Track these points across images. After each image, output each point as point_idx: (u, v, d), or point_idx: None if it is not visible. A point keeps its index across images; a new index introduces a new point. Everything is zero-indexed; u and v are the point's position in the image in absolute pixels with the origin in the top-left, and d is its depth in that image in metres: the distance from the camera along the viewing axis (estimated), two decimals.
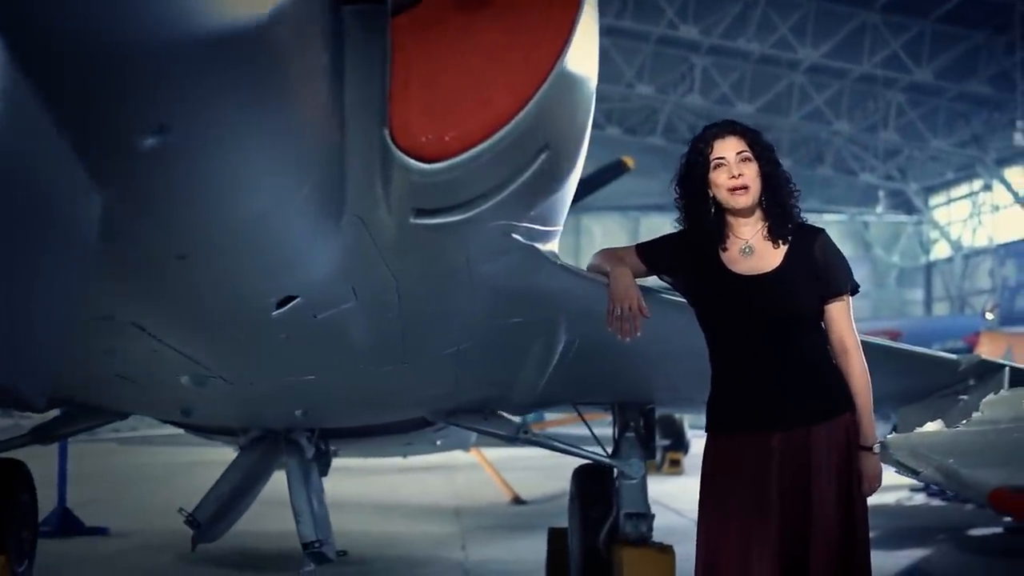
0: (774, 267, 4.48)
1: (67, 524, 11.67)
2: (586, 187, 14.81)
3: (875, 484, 4.51)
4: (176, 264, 3.50)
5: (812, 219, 4.59)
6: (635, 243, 4.87)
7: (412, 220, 3.72)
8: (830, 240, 4.60)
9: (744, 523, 4.37)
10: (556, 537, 9.02)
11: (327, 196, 3.55)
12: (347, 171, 3.53)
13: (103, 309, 4.00)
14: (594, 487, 8.18)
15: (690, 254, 4.59)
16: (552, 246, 4.70)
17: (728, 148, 4.45)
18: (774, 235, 4.51)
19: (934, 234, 48.66)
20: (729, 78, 39.76)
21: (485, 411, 7.45)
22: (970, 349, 24.08)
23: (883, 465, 5.45)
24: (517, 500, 15.45)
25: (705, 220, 4.53)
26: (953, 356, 7.05)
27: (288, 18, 2.72)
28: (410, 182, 3.53)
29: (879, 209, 48.48)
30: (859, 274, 4.71)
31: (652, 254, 4.73)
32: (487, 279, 4.44)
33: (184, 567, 9.81)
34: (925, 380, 7.13)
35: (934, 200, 48.26)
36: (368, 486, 16.24)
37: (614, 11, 35.64)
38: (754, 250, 4.51)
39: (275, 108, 2.94)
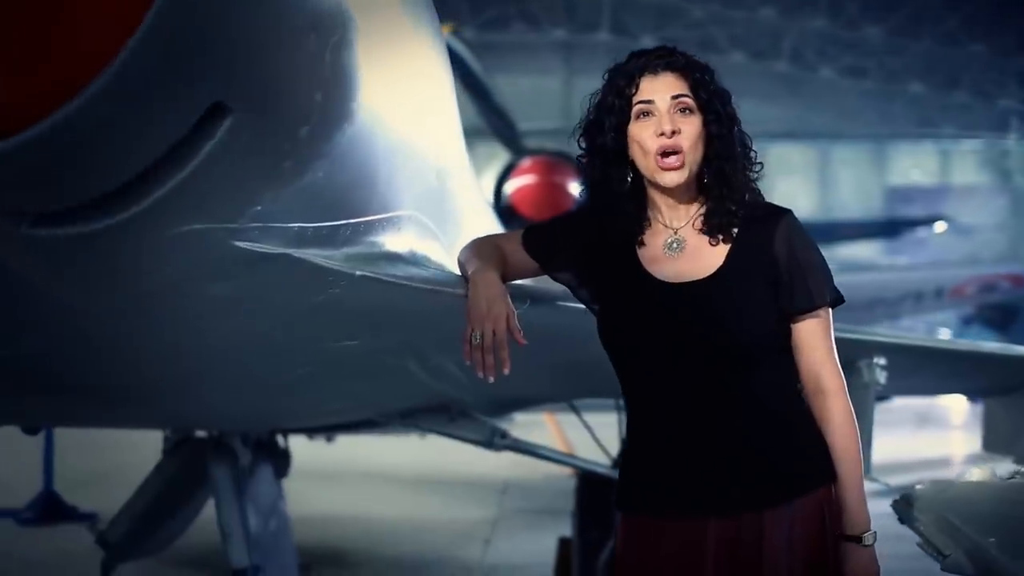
0: (713, 270, 2.96)
1: (50, 510, 10.41)
2: None
3: None
4: None
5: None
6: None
7: (28, 231, 2.23)
8: (799, 227, 3.02)
9: None
10: (565, 549, 7.67)
11: None
12: None
13: None
14: (594, 501, 6.80)
15: (592, 245, 3.10)
16: (383, 240, 3.13)
17: (660, 89, 2.92)
18: (713, 225, 2.99)
19: None
20: None
21: (452, 411, 5.95)
22: None
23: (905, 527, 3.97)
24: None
25: (617, 195, 3.03)
26: None
27: None
28: None
29: (1016, 136, 46.34)
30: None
31: (541, 244, 3.23)
32: (245, 302, 2.87)
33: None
34: (1006, 379, 6.08)
35: None
36: (414, 452, 14.68)
37: None
38: (684, 245, 3.00)
39: None
